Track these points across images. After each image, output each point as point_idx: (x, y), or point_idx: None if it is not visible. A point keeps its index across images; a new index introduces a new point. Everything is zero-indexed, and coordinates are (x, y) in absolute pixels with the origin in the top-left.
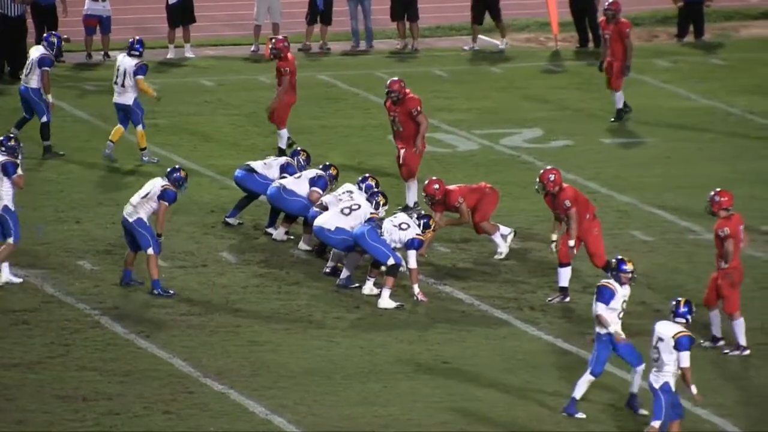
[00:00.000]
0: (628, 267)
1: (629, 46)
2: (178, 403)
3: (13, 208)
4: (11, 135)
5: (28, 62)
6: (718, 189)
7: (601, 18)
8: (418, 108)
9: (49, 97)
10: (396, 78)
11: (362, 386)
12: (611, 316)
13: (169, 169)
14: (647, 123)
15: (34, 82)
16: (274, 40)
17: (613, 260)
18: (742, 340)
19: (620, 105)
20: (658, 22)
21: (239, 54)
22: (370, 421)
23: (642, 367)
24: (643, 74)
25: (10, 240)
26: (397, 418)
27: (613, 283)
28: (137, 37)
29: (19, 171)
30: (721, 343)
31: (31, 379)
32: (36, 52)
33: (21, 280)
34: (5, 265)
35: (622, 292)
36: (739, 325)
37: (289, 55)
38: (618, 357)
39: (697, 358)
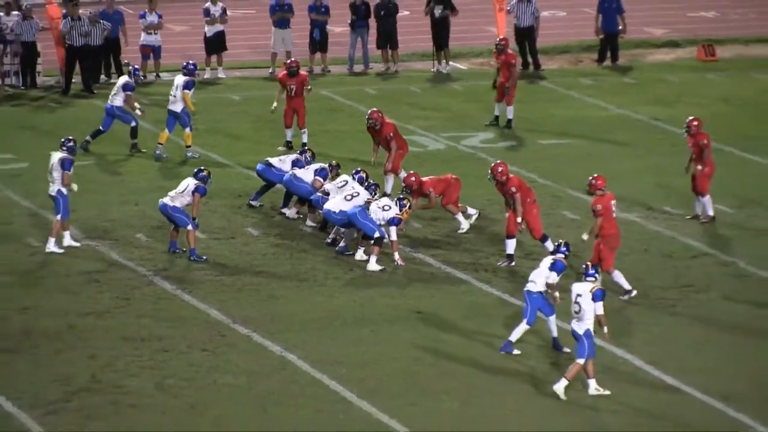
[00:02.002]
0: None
1: (514, 73)
2: (213, 343)
3: (66, 192)
4: (72, 138)
5: (116, 86)
6: (595, 174)
7: (493, 51)
8: (390, 134)
9: (137, 112)
10: (375, 109)
11: (355, 331)
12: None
13: (195, 170)
14: (574, 128)
15: (118, 101)
16: (289, 61)
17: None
18: (627, 285)
19: (511, 116)
20: (583, 49)
21: (260, 75)
22: (361, 357)
23: (554, 316)
24: (570, 90)
25: (58, 217)
26: (381, 355)
27: (566, 263)
28: (192, 61)
29: (72, 170)
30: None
31: (100, 325)
32: (122, 80)
33: (79, 244)
34: (66, 234)
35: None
36: (618, 276)
37: (303, 72)
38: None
39: (609, 309)
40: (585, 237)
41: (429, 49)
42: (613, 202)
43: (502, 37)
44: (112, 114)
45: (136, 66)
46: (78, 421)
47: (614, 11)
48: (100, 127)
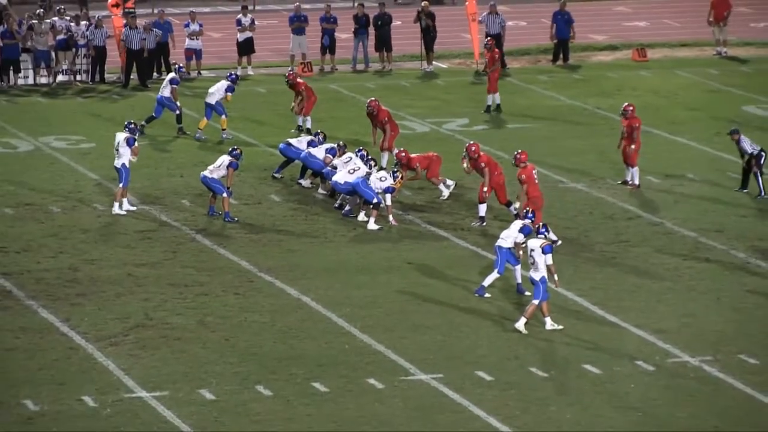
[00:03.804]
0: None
1: (497, 65)
2: (243, 288)
3: (128, 166)
4: (133, 121)
5: (165, 80)
6: (520, 150)
7: (484, 49)
8: (386, 119)
9: (178, 103)
10: (373, 99)
11: (357, 278)
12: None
13: (230, 149)
14: (534, 114)
15: (166, 92)
16: (286, 74)
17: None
18: (554, 237)
19: (498, 101)
20: (541, 51)
21: (281, 72)
22: (362, 299)
23: (519, 266)
24: (531, 85)
25: (121, 185)
26: (378, 297)
27: (531, 226)
28: (234, 72)
29: (137, 144)
30: None
31: (152, 273)
32: (169, 75)
33: (135, 208)
34: (124, 201)
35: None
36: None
37: (299, 80)
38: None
39: (563, 262)
40: (517, 204)
41: (417, 52)
42: (534, 171)
43: (489, 38)
44: (161, 103)
45: (181, 65)
46: (134, 351)
47: (565, 21)
48: (153, 114)
